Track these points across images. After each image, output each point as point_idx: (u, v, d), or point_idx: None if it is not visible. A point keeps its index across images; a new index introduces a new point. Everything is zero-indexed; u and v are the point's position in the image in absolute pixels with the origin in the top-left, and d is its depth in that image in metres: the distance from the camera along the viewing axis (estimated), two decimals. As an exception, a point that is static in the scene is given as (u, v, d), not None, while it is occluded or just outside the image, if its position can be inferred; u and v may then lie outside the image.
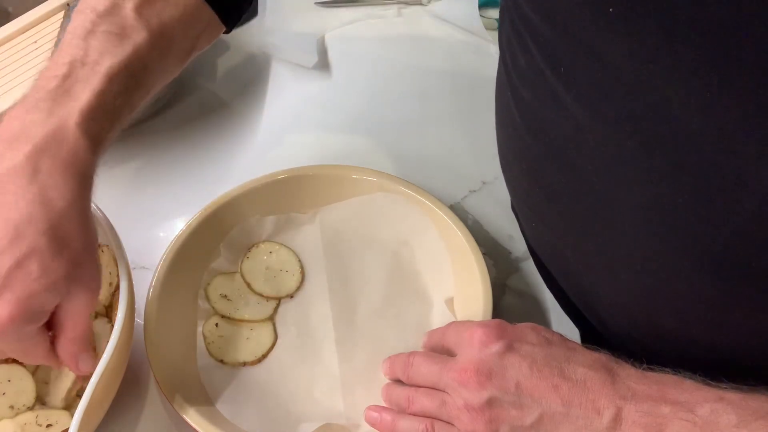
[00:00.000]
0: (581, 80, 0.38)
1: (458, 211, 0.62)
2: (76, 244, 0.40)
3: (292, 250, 0.59)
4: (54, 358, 0.44)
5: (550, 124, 0.42)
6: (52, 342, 0.43)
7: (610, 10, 0.32)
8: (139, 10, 0.44)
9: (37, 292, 0.39)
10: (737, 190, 0.34)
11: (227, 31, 0.53)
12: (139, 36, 0.44)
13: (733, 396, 0.37)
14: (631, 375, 0.41)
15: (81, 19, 0.44)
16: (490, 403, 0.41)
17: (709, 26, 0.30)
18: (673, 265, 0.39)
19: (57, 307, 0.41)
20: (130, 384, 0.51)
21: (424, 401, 0.45)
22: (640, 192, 0.38)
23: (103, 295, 0.53)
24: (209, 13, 0.50)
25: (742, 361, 0.39)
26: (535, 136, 0.45)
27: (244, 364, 0.53)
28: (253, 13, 0.81)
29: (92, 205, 0.50)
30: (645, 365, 0.41)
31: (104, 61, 0.42)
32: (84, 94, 0.41)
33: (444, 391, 0.44)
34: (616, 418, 0.39)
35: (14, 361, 0.49)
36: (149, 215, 0.64)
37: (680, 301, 0.40)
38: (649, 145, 0.36)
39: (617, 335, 0.49)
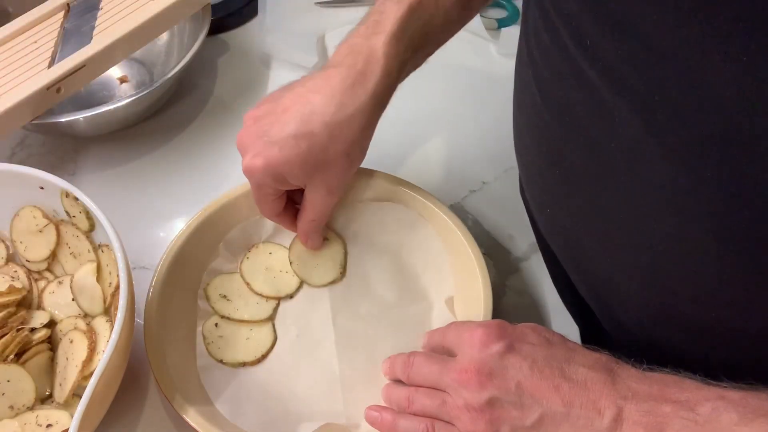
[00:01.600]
0: (607, 54, 0.37)
1: (458, 211, 0.62)
2: (341, 147, 0.49)
3: (292, 250, 0.59)
4: (288, 223, 0.56)
5: (573, 101, 0.42)
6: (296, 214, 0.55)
7: None
8: None
9: (293, 162, 0.48)
10: (764, 165, 0.33)
11: None
12: None
13: (733, 394, 0.37)
14: (631, 375, 0.40)
15: None
16: (491, 403, 0.41)
17: None
18: (696, 244, 0.38)
19: (305, 191, 0.52)
20: (130, 384, 0.51)
21: (425, 401, 0.45)
22: (665, 169, 0.37)
23: (103, 295, 0.53)
24: None
25: (756, 352, 0.39)
26: (556, 115, 0.45)
27: (244, 364, 0.53)
28: (253, 13, 0.81)
29: (92, 205, 0.50)
30: (645, 365, 0.41)
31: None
32: (390, 22, 0.50)
33: (444, 391, 0.44)
34: (617, 418, 0.39)
35: (14, 361, 0.49)
36: (149, 215, 0.64)
37: (703, 283, 0.40)
38: (677, 116, 0.35)
39: (625, 327, 0.48)
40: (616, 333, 0.50)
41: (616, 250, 0.44)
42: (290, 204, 0.55)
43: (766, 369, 0.38)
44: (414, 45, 0.51)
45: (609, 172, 0.41)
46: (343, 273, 0.58)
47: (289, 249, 0.59)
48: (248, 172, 0.50)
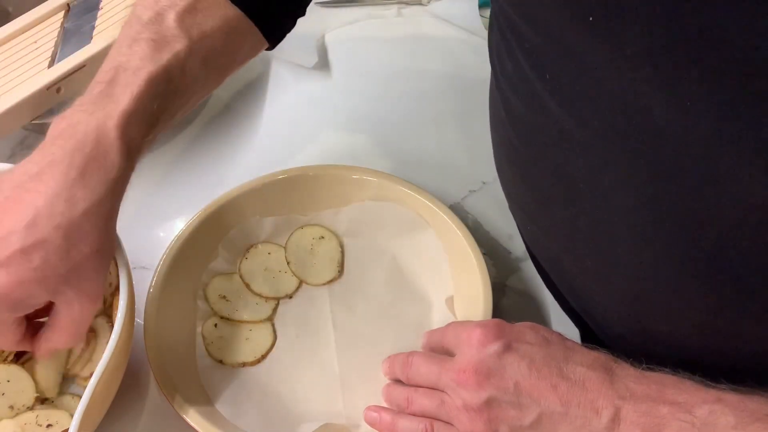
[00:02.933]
0: (566, 86, 0.38)
1: (458, 211, 0.62)
2: (86, 248, 0.41)
3: (292, 251, 0.59)
4: (28, 345, 0.44)
5: (538, 129, 0.43)
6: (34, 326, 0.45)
7: (590, 18, 0.32)
8: (181, 19, 0.46)
9: (29, 282, 0.39)
10: (722, 197, 0.34)
11: (270, 48, 0.53)
12: (178, 44, 0.45)
13: (731, 397, 0.37)
14: (630, 375, 0.41)
15: (128, 28, 0.46)
16: (489, 403, 0.41)
17: (686, 36, 0.29)
18: (662, 270, 0.39)
19: (55, 307, 0.42)
20: (130, 384, 0.51)
21: (423, 401, 0.45)
22: (627, 197, 0.38)
23: (103, 295, 0.53)
24: (251, 28, 0.50)
25: (733, 365, 0.39)
26: (524, 141, 0.45)
27: (244, 364, 0.53)
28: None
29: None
30: (644, 365, 0.41)
31: (145, 66, 0.44)
32: (124, 97, 0.42)
33: (443, 391, 0.44)
34: (615, 418, 0.39)
35: (14, 361, 0.49)
36: (149, 215, 0.64)
37: (671, 305, 0.41)
38: (633, 151, 0.36)
39: (613, 338, 0.49)
40: (608, 341, 0.50)
41: (590, 271, 0.45)
42: (25, 323, 0.44)
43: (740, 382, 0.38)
44: (154, 122, 0.45)
45: (576, 198, 0.42)
46: (341, 271, 0.58)
47: (286, 249, 0.59)
48: None
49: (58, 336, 0.43)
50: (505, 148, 0.50)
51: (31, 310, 0.42)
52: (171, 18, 0.46)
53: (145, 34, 0.45)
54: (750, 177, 0.32)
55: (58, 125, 0.42)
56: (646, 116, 0.34)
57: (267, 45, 0.53)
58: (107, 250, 0.43)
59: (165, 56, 0.44)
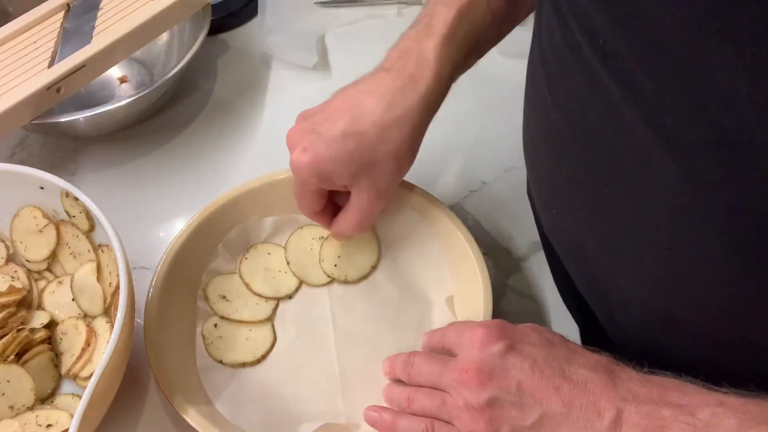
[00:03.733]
0: (619, 53, 0.37)
1: (458, 211, 0.62)
2: (389, 148, 0.49)
3: (292, 251, 0.59)
4: (326, 222, 0.55)
5: (582, 101, 0.42)
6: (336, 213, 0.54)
7: None
8: None
9: (339, 160, 0.48)
10: None
11: None
12: None
13: (733, 400, 0.37)
14: (632, 377, 0.40)
15: None
16: (491, 403, 0.41)
17: None
18: (701, 250, 0.38)
19: (351, 193, 0.51)
20: (130, 384, 0.51)
21: (424, 401, 0.45)
22: (673, 173, 0.36)
23: (103, 295, 0.53)
24: None
25: (757, 361, 0.39)
26: (565, 115, 0.44)
27: (244, 364, 0.53)
28: (253, 13, 0.81)
29: (92, 204, 0.50)
30: (646, 368, 0.41)
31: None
32: (440, 25, 0.50)
33: (444, 391, 0.44)
34: (617, 420, 0.39)
35: (14, 361, 0.49)
36: (149, 215, 0.64)
37: (705, 290, 0.39)
38: (688, 120, 0.34)
39: (626, 330, 0.48)
40: (617, 336, 0.50)
41: (619, 253, 0.44)
42: (330, 203, 0.55)
43: (766, 379, 0.38)
44: (465, 47, 0.52)
45: (616, 174, 0.41)
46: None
47: (285, 249, 0.59)
48: (295, 167, 0.50)
49: (346, 220, 0.52)
50: (541, 124, 0.49)
51: (332, 187, 0.51)
52: None
53: None
54: None
55: (391, 54, 0.52)
56: (710, 78, 0.32)
57: None
58: (406, 157, 0.51)
59: None
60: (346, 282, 0.57)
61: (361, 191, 0.50)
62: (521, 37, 0.57)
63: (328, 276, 0.58)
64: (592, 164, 0.43)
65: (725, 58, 0.32)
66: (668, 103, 0.35)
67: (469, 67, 0.55)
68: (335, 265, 0.58)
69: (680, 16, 0.33)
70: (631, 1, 0.35)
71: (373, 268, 0.58)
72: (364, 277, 0.58)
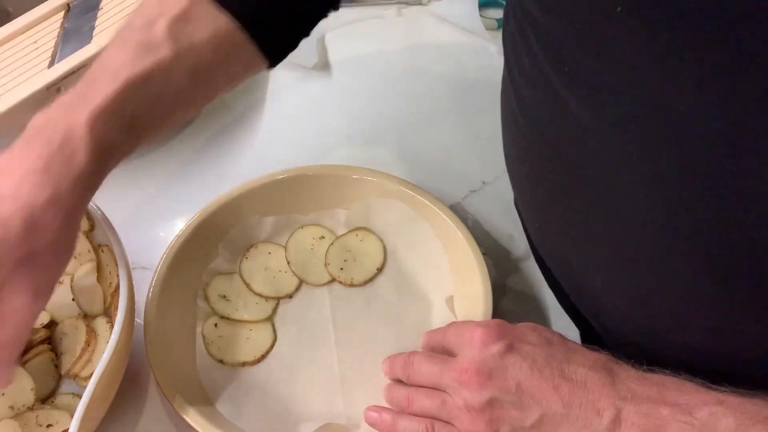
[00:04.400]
0: (585, 80, 0.37)
1: (458, 211, 0.62)
2: (44, 239, 0.40)
3: (292, 250, 0.59)
4: None
5: (553, 125, 0.42)
6: None
7: (618, 9, 0.32)
8: (170, 27, 0.44)
9: None
10: (744, 196, 0.33)
11: (270, 66, 0.50)
12: (164, 51, 0.44)
13: (732, 400, 0.37)
14: (631, 376, 0.41)
15: (118, 34, 0.46)
16: (491, 403, 0.41)
17: (719, 28, 0.29)
18: (676, 268, 0.38)
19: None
20: (130, 384, 0.51)
21: (424, 401, 0.45)
22: (644, 194, 0.37)
23: (103, 295, 0.53)
24: (245, 43, 0.47)
25: (740, 371, 0.39)
26: (538, 137, 0.45)
27: (244, 364, 0.53)
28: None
29: (92, 204, 0.50)
30: (645, 366, 0.41)
31: (125, 68, 0.43)
32: (99, 96, 0.42)
33: (444, 391, 0.44)
34: (616, 419, 0.39)
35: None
36: (149, 215, 0.64)
37: (681, 305, 0.40)
38: (653, 147, 0.35)
39: (617, 339, 0.49)
40: (611, 342, 0.50)
41: (600, 269, 0.45)
42: None
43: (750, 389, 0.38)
44: (131, 126, 0.43)
45: (589, 194, 0.41)
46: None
47: (286, 249, 0.59)
48: None
49: (5, 338, 0.40)
50: (516, 144, 0.50)
51: None
52: (161, 25, 0.44)
53: (133, 39, 0.44)
54: None
55: (36, 121, 0.42)
56: (671, 110, 0.33)
57: (265, 64, 0.50)
58: (66, 247, 0.42)
59: (148, 60, 0.43)
60: (352, 285, 0.57)
61: (14, 292, 0.40)
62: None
63: (335, 279, 0.58)
64: (566, 184, 0.43)
65: (687, 91, 0.32)
66: (633, 129, 0.36)
67: (137, 147, 0.45)
68: (341, 269, 0.58)
69: (642, 50, 0.33)
70: (597, 32, 0.35)
71: (379, 270, 0.58)
72: (370, 279, 0.58)
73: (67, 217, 0.41)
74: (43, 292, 0.41)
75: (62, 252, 0.42)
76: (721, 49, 0.29)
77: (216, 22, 0.46)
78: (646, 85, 0.34)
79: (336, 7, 0.53)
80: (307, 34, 0.52)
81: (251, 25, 0.47)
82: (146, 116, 0.44)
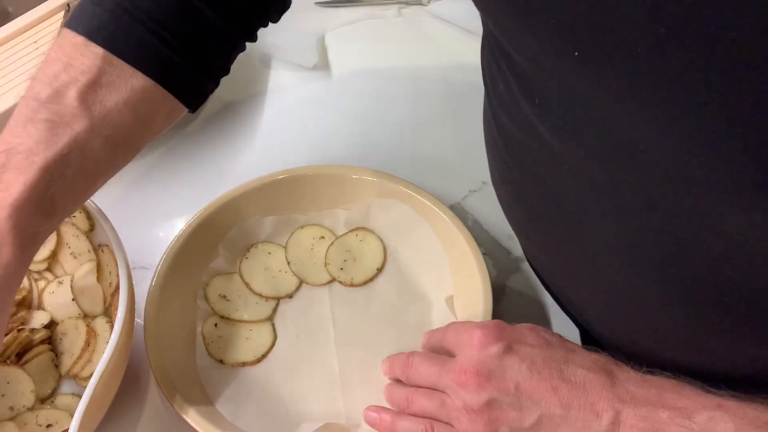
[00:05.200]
0: (555, 112, 0.38)
1: (458, 211, 0.62)
2: None
3: (292, 251, 0.59)
4: None
5: (528, 150, 0.43)
6: None
7: (576, 53, 0.32)
8: (82, 97, 0.42)
9: None
10: (705, 231, 0.34)
11: (191, 111, 0.48)
12: (78, 124, 0.41)
13: (731, 404, 0.37)
14: (630, 378, 0.41)
15: (23, 105, 0.42)
16: (490, 404, 0.41)
17: (670, 72, 0.29)
18: (648, 293, 0.39)
19: None
20: (130, 384, 0.51)
21: (423, 402, 0.45)
22: (613, 223, 0.38)
23: (103, 295, 0.53)
24: (164, 96, 0.45)
25: (721, 383, 0.40)
26: (516, 162, 0.46)
27: (244, 364, 0.53)
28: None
29: (92, 204, 0.50)
30: (645, 368, 0.41)
31: (40, 151, 0.40)
32: (17, 185, 0.39)
33: (443, 392, 0.44)
34: (615, 422, 0.39)
35: (14, 362, 0.49)
36: (149, 215, 0.64)
37: (658, 326, 0.41)
38: (618, 182, 0.36)
39: (611, 344, 0.49)
40: (607, 345, 0.50)
41: (580, 286, 0.46)
42: None
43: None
44: (53, 208, 0.41)
45: (564, 218, 0.42)
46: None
47: (286, 249, 0.59)
48: None
49: None
50: (498, 166, 0.51)
51: None
52: (71, 96, 0.41)
53: (42, 114, 0.41)
54: (730, 213, 0.32)
55: None
56: (631, 147, 0.34)
57: (186, 109, 0.48)
58: None
59: (62, 139, 0.40)
60: (352, 285, 0.57)
61: None
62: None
63: (335, 279, 0.58)
64: (543, 206, 0.44)
65: (643, 134, 0.33)
66: (598, 165, 0.37)
67: (60, 222, 0.44)
68: (341, 269, 0.58)
69: (600, 92, 0.34)
70: (560, 72, 0.36)
71: (379, 270, 0.58)
72: (370, 279, 0.58)
73: None
74: None
75: None
76: (676, 96, 0.29)
77: (130, 83, 0.43)
78: (607, 123, 0.34)
79: (253, 39, 0.51)
80: (227, 71, 0.50)
81: (169, 80, 0.45)
82: (66, 195, 0.42)
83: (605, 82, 0.32)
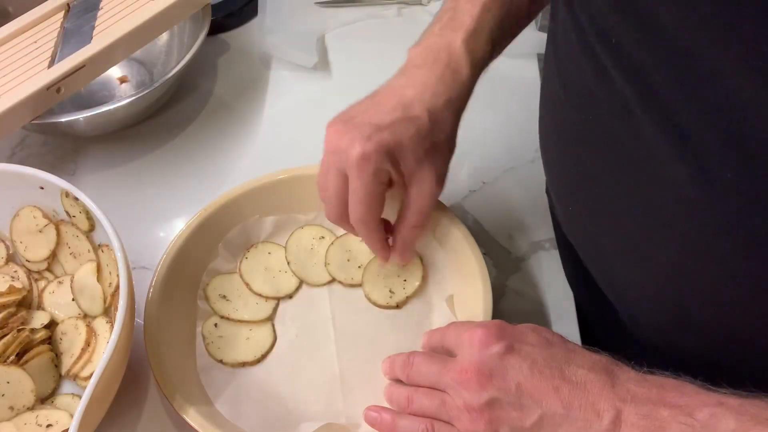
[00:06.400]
0: (631, 52, 0.37)
1: (458, 211, 0.62)
2: (442, 134, 0.50)
3: (292, 251, 0.59)
4: (380, 239, 0.53)
5: (595, 99, 0.42)
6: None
7: None
8: None
9: (405, 146, 0.48)
10: None
11: None
12: None
13: (732, 401, 0.37)
14: (630, 378, 0.40)
15: None
16: (491, 403, 0.41)
17: None
18: (712, 249, 0.38)
19: (410, 187, 0.50)
20: (130, 384, 0.51)
21: (424, 401, 0.45)
22: (683, 170, 0.37)
23: (103, 295, 0.53)
24: None
25: (760, 361, 0.39)
26: (578, 112, 0.45)
27: (244, 364, 0.53)
28: (253, 13, 0.81)
29: (92, 204, 0.50)
30: (645, 368, 0.41)
31: None
32: (466, 19, 0.51)
33: (444, 392, 0.44)
34: (616, 421, 0.39)
35: (14, 362, 0.49)
36: (149, 215, 0.64)
37: (716, 284, 0.40)
38: (699, 118, 0.35)
39: (641, 325, 0.48)
40: (633, 329, 0.50)
41: (633, 250, 0.45)
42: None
43: None
44: (492, 40, 0.52)
45: (627, 172, 0.41)
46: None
47: (286, 249, 0.59)
48: (363, 160, 0.47)
49: (412, 214, 0.51)
50: (556, 122, 0.50)
51: (396, 176, 0.49)
52: None
53: None
54: None
55: (415, 50, 0.52)
56: (718, 78, 0.33)
57: None
58: (453, 143, 0.52)
59: None
60: (352, 285, 0.57)
61: (423, 178, 0.50)
62: (523, 37, 0.57)
63: (335, 279, 0.58)
64: (604, 162, 0.43)
65: (730, 59, 0.32)
66: (679, 101, 0.36)
67: (494, 58, 0.55)
68: (341, 269, 0.58)
69: (685, 17, 0.33)
70: (644, 5, 0.35)
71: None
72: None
73: (456, 116, 0.51)
74: (441, 181, 0.51)
75: (452, 147, 0.52)
76: (757, 17, 0.29)
77: None
78: (693, 53, 0.33)
79: None
80: None
81: None
82: (498, 31, 0.52)
83: (693, 6, 0.32)
